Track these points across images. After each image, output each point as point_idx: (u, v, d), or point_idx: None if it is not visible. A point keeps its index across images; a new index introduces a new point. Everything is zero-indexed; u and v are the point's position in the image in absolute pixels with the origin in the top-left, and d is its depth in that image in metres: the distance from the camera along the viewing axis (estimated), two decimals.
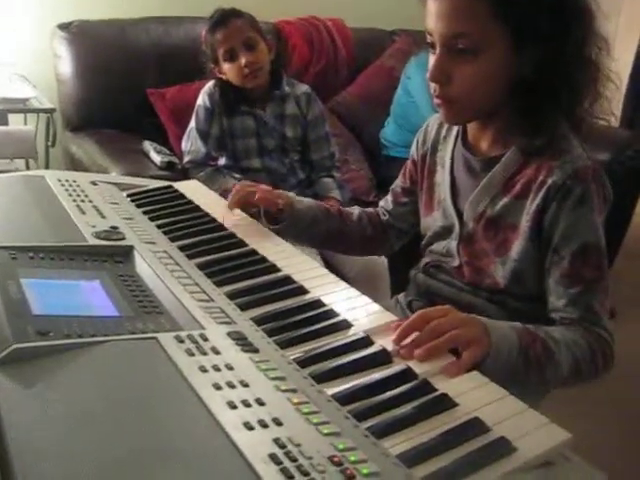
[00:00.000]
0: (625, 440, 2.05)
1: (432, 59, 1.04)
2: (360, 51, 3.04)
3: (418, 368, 0.80)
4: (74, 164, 2.38)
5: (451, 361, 0.82)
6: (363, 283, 1.92)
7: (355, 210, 1.40)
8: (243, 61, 2.02)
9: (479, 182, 1.13)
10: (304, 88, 2.22)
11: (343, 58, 2.98)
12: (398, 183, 1.37)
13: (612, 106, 1.09)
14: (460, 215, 1.17)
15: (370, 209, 1.42)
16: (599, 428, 2.05)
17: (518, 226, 1.08)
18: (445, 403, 0.74)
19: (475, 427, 0.70)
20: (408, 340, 0.84)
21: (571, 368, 0.98)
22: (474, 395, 0.76)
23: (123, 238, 1.10)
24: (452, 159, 1.20)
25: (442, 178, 1.22)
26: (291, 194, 1.33)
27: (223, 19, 2.05)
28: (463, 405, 0.73)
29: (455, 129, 1.21)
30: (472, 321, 0.89)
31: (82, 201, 1.26)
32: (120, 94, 2.51)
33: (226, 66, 2.06)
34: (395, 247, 1.44)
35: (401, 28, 3.12)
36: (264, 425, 0.64)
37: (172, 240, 1.15)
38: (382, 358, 0.82)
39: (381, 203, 1.42)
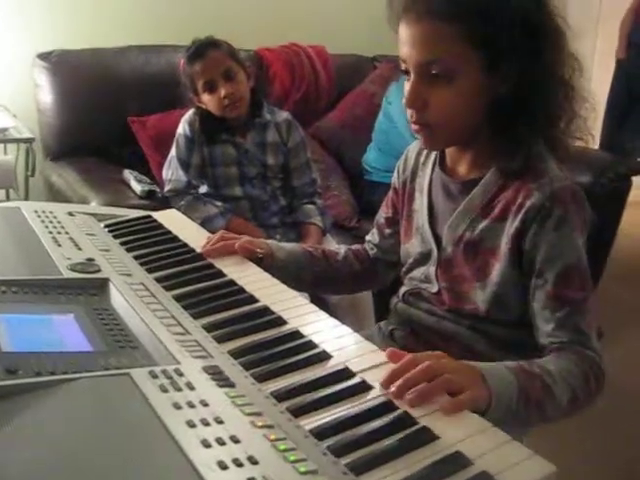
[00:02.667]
0: (613, 468, 2.03)
1: (407, 85, 1.04)
2: (341, 77, 3.05)
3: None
4: (54, 193, 2.36)
5: (448, 399, 0.78)
6: (346, 309, 1.91)
7: (341, 249, 1.38)
8: (223, 92, 2.01)
9: (457, 206, 1.13)
10: (284, 115, 2.21)
11: (324, 84, 2.99)
12: (381, 214, 1.36)
13: (589, 126, 1.09)
14: (438, 240, 1.16)
15: (357, 245, 1.41)
16: (586, 457, 2.03)
17: (498, 249, 1.07)
18: (426, 436, 0.72)
19: (457, 461, 0.68)
20: (399, 382, 0.80)
21: (569, 399, 0.95)
22: (455, 427, 0.74)
23: (99, 270, 1.09)
24: (430, 184, 1.20)
25: (420, 204, 1.21)
26: (273, 242, 1.31)
27: (201, 50, 2.04)
28: (444, 438, 0.72)
29: (433, 155, 1.21)
30: (467, 367, 0.86)
31: (58, 233, 1.25)
32: (101, 123, 2.51)
33: (206, 97, 2.05)
34: (387, 280, 1.41)
35: (382, 54, 3.14)
36: (239, 464, 0.62)
37: (149, 271, 1.13)
38: (362, 390, 0.80)
39: (368, 237, 1.40)
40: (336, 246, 1.40)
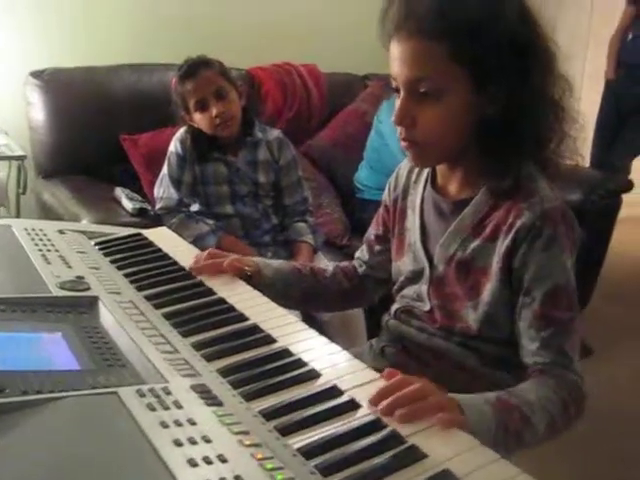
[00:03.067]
0: None
1: (397, 103, 1.05)
2: (333, 96, 3.07)
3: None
4: (45, 211, 2.36)
5: (443, 415, 0.78)
6: (338, 327, 1.91)
7: (329, 267, 1.38)
8: (214, 111, 2.02)
9: (449, 225, 1.13)
10: (276, 133, 2.22)
11: (316, 103, 3.01)
12: (371, 231, 1.36)
13: (579, 146, 1.10)
14: (430, 259, 1.16)
15: (345, 263, 1.41)
16: (571, 475, 2.03)
17: (489, 269, 1.08)
18: (414, 454, 0.71)
19: (445, 479, 0.68)
20: (389, 400, 0.79)
21: (547, 426, 0.96)
22: (444, 445, 0.74)
23: (88, 288, 1.08)
24: (422, 203, 1.20)
25: (412, 222, 1.21)
26: (260, 259, 1.30)
27: (193, 69, 2.04)
28: (433, 456, 0.71)
29: (425, 173, 1.21)
30: (449, 396, 0.85)
31: (48, 250, 1.24)
32: (93, 141, 2.51)
33: (197, 116, 2.06)
34: (375, 297, 1.41)
35: (373, 72, 3.15)
36: None
37: (139, 289, 1.13)
38: (351, 409, 0.80)
39: (357, 254, 1.40)
40: (326, 263, 1.40)
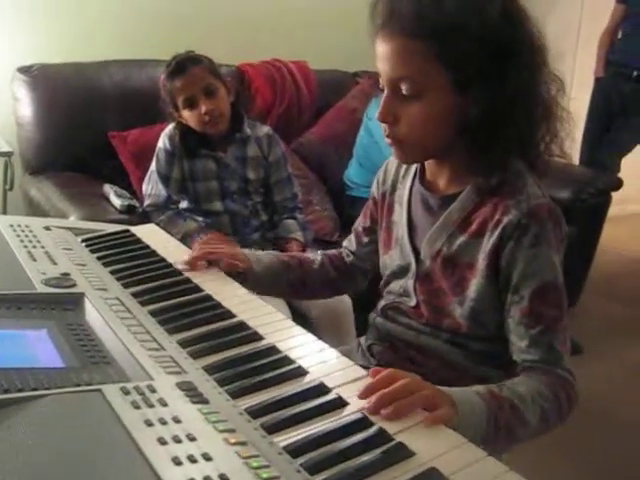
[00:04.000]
0: None
1: (382, 100, 1.05)
2: (323, 93, 3.05)
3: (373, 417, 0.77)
4: (33, 208, 2.34)
5: (428, 413, 0.78)
6: (327, 323, 1.91)
7: (317, 256, 1.38)
8: (203, 109, 2.00)
9: (436, 220, 1.13)
10: (265, 129, 2.21)
11: (306, 100, 2.99)
12: (360, 222, 1.36)
13: (568, 144, 1.09)
14: (417, 253, 1.16)
15: (333, 251, 1.41)
16: (563, 473, 2.03)
17: (475, 265, 1.07)
18: (402, 452, 0.71)
19: (432, 477, 0.67)
20: (375, 397, 0.79)
21: (539, 421, 0.95)
22: (431, 443, 0.73)
23: (74, 285, 1.07)
24: (410, 197, 1.20)
25: (400, 216, 1.21)
26: (250, 254, 1.30)
27: (181, 66, 2.03)
28: (420, 454, 0.71)
29: (413, 168, 1.21)
30: (439, 389, 0.85)
31: (34, 247, 1.23)
32: (81, 137, 2.49)
33: (186, 113, 2.05)
34: (362, 286, 1.42)
35: (363, 70, 3.15)
36: None
37: (125, 286, 1.12)
38: (338, 406, 0.79)
39: (345, 243, 1.41)
40: (314, 254, 1.40)
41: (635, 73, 3.46)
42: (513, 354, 1.05)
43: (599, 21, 3.63)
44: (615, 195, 2.87)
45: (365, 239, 1.35)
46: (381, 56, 1.03)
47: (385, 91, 1.04)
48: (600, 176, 2.93)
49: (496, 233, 1.04)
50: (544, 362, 1.01)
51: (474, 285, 1.07)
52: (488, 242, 1.05)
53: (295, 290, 1.35)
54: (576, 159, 3.46)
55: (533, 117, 1.04)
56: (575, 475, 2.04)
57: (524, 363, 1.03)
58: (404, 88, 1.01)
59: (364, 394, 0.80)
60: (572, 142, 1.11)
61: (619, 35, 3.61)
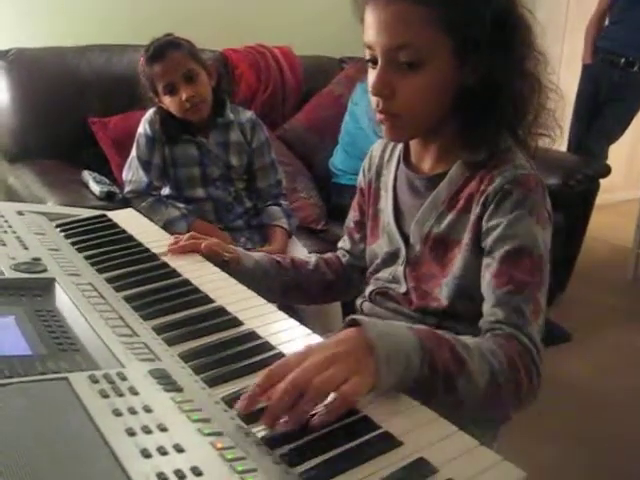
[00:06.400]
0: (582, 474, 2.01)
1: (372, 74, 1.00)
2: (308, 78, 3.01)
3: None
4: (10, 195, 2.28)
5: (326, 404, 0.69)
6: (314, 314, 1.86)
7: (312, 258, 1.33)
8: (184, 95, 1.94)
9: (424, 201, 1.09)
10: (248, 114, 2.16)
11: (291, 86, 2.95)
12: (350, 218, 1.31)
13: (556, 119, 1.06)
14: (406, 238, 1.12)
15: (329, 254, 1.35)
16: (555, 462, 2.01)
17: (461, 241, 1.03)
18: (388, 442, 0.67)
19: (421, 468, 0.63)
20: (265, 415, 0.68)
21: (488, 384, 0.85)
22: (420, 432, 0.69)
23: (44, 270, 1.02)
24: (395, 182, 1.16)
25: (385, 202, 1.17)
26: (241, 249, 1.25)
27: (161, 51, 1.96)
28: (408, 444, 0.67)
29: (397, 151, 1.17)
30: (347, 344, 0.74)
31: (5, 232, 1.18)
32: (60, 123, 2.44)
33: (167, 99, 1.99)
34: (359, 286, 1.32)
35: (349, 55, 3.10)
36: (181, 476, 0.56)
37: (100, 272, 1.07)
38: None
39: (339, 244, 1.35)
40: (307, 255, 1.34)
41: (623, 60, 3.45)
42: (480, 321, 0.97)
43: (587, 7, 3.61)
44: (603, 182, 2.84)
45: (357, 235, 1.29)
46: (376, 25, 0.97)
47: (380, 62, 0.98)
48: (588, 163, 2.91)
49: (480, 202, 1.00)
50: (507, 324, 0.92)
51: (459, 261, 1.03)
52: (472, 214, 1.01)
53: (289, 292, 1.28)
54: (564, 146, 3.44)
55: (523, 90, 1.01)
56: (563, 460, 2.02)
57: (485, 325, 0.95)
58: (404, 57, 0.96)
59: (246, 405, 0.70)
60: (561, 116, 1.07)
61: (607, 22, 3.58)
